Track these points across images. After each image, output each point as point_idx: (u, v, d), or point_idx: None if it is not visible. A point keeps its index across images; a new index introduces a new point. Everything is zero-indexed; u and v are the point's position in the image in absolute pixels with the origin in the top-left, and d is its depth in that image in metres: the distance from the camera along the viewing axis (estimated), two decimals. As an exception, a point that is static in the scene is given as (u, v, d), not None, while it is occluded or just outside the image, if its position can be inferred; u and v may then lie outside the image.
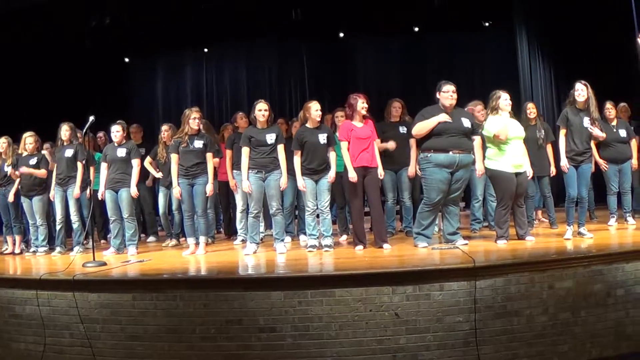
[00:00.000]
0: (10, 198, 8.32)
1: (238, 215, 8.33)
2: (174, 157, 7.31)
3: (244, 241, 7.94)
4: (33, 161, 8.17)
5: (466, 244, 6.54)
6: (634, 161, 8.06)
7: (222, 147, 8.49)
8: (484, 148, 6.79)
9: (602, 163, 7.91)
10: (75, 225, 8.07)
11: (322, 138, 6.95)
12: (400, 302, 5.04)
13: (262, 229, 8.36)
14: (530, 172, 6.86)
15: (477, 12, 12.49)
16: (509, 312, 5.10)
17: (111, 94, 13.44)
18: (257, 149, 7.01)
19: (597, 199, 9.09)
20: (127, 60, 14.54)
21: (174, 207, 8.53)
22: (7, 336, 5.98)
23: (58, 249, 8.03)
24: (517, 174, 6.61)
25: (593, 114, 6.77)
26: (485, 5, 12.19)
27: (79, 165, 7.99)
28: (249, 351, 5.16)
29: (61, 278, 5.86)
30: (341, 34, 13.52)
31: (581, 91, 6.75)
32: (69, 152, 8.06)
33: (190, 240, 7.43)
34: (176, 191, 7.29)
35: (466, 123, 6.63)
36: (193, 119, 7.28)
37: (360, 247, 6.84)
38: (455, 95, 6.65)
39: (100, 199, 7.86)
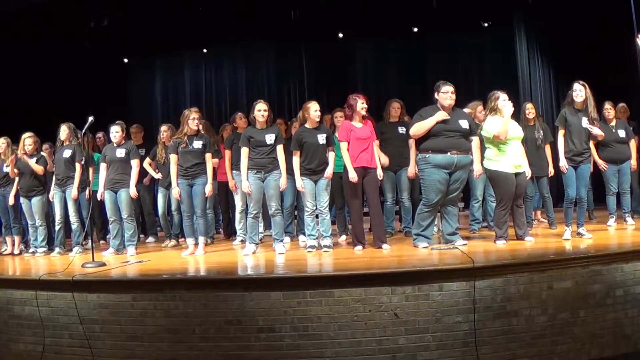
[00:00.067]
0: (11, 201, 8.32)
1: (237, 215, 8.33)
2: (173, 158, 7.31)
3: (243, 241, 7.94)
4: (32, 161, 8.17)
5: (465, 245, 6.54)
6: (633, 162, 8.06)
7: (222, 147, 8.49)
8: (483, 149, 6.79)
9: (602, 163, 7.91)
10: (74, 225, 8.06)
11: (321, 138, 6.95)
12: (399, 302, 5.04)
13: (261, 229, 8.36)
14: (528, 173, 6.87)
15: (476, 13, 12.48)
16: (508, 312, 5.10)
17: (110, 94, 13.43)
18: (256, 149, 7.01)
19: (596, 200, 9.10)
20: (126, 60, 14.55)
21: (173, 207, 8.52)
22: (6, 337, 5.97)
23: (57, 249, 8.03)
24: (516, 174, 6.62)
25: (591, 114, 6.78)
26: (485, 5, 12.18)
27: (77, 166, 7.99)
28: (248, 351, 5.16)
29: (60, 278, 5.86)
30: (340, 35, 13.53)
31: (579, 91, 6.76)
32: (67, 153, 8.06)
33: (190, 241, 7.43)
34: (175, 192, 7.30)
35: (464, 124, 6.63)
36: (192, 120, 7.28)
37: (359, 247, 6.84)
38: (454, 96, 6.65)
39: (99, 199, 7.85)
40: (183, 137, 7.29)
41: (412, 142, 7.31)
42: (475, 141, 6.77)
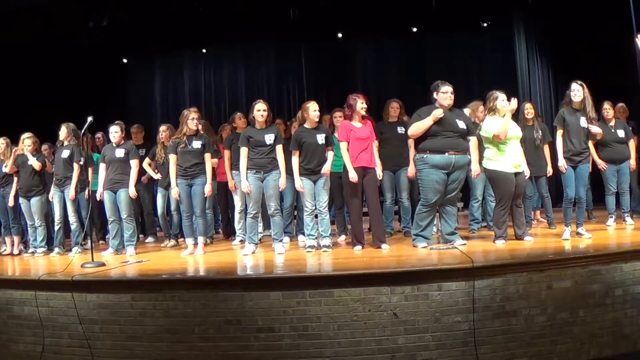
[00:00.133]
0: (10, 202, 8.33)
1: (236, 215, 8.34)
2: (172, 158, 7.31)
3: (242, 241, 7.94)
4: (30, 156, 8.18)
5: (464, 244, 6.54)
6: (632, 161, 8.07)
7: (221, 147, 8.49)
8: (482, 149, 6.79)
9: (601, 163, 7.91)
10: (74, 226, 8.07)
11: (320, 138, 6.95)
12: (398, 302, 5.04)
13: (260, 229, 8.37)
14: (527, 172, 6.88)
15: (476, 13, 12.49)
16: (507, 312, 5.10)
17: (109, 94, 13.42)
18: (255, 149, 7.01)
19: (595, 199, 9.10)
20: (125, 60, 14.54)
21: (173, 207, 8.53)
22: (5, 337, 5.97)
23: (56, 249, 8.03)
24: (516, 174, 6.62)
25: (589, 113, 6.78)
26: (484, 5, 12.19)
27: (75, 166, 7.99)
28: (248, 351, 5.16)
29: (60, 279, 5.86)
30: (339, 35, 13.52)
31: (577, 91, 6.76)
32: (65, 153, 8.07)
33: (189, 241, 7.43)
34: (174, 192, 7.30)
35: (462, 124, 6.64)
36: (191, 120, 7.29)
37: (358, 247, 6.84)
38: (452, 96, 6.66)
39: (98, 199, 7.85)
40: (182, 137, 7.29)
41: (411, 142, 7.32)
42: (473, 141, 6.78)
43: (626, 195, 7.98)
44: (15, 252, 8.44)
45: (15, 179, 8.31)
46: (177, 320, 5.31)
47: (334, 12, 12.41)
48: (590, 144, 7.63)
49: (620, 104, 8.57)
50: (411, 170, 7.44)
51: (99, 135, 9.64)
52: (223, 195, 8.99)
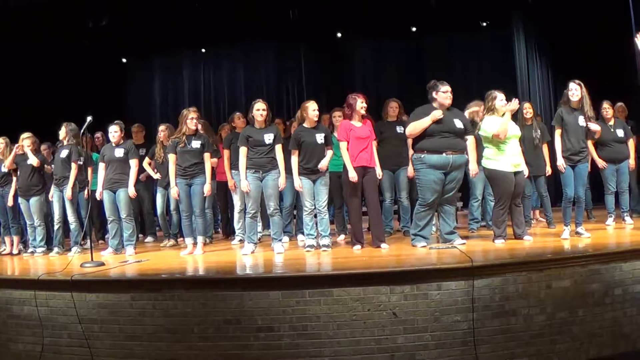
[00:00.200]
0: (10, 202, 8.33)
1: (236, 215, 8.34)
2: (171, 158, 7.31)
3: (242, 241, 7.94)
4: (30, 153, 8.18)
5: (464, 244, 6.55)
6: (631, 161, 8.07)
7: (220, 147, 8.49)
8: (481, 148, 6.79)
9: (601, 162, 7.91)
10: (73, 225, 8.07)
11: (320, 138, 6.95)
12: (398, 301, 5.04)
13: (260, 229, 8.37)
14: (526, 172, 6.88)
15: (475, 12, 12.49)
16: (506, 311, 5.10)
17: (109, 94, 13.41)
18: (254, 149, 7.01)
19: (594, 199, 9.10)
20: (124, 60, 14.52)
21: (172, 207, 8.52)
22: (5, 337, 5.97)
23: (56, 249, 8.03)
24: (515, 173, 6.62)
25: (587, 113, 6.77)
26: (483, 5, 12.19)
27: (73, 165, 7.98)
28: (247, 351, 5.16)
29: (59, 278, 5.87)
30: (339, 34, 13.52)
31: (575, 91, 6.76)
32: (64, 153, 8.08)
33: (188, 241, 7.44)
34: (174, 191, 7.30)
35: (459, 124, 6.63)
36: (190, 119, 7.28)
37: (358, 246, 6.84)
38: (451, 95, 6.66)
39: (98, 199, 7.85)
40: (182, 136, 7.29)
41: (410, 142, 7.31)
42: (470, 140, 6.78)
43: (625, 195, 7.98)
44: (15, 251, 8.44)
45: (15, 178, 8.31)
46: (176, 319, 5.30)
47: (333, 12, 12.41)
48: (590, 143, 7.66)
49: (619, 104, 8.57)
50: (411, 169, 7.45)
51: (98, 135, 9.63)
52: (222, 194, 8.99)
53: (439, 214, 6.91)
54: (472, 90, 11.14)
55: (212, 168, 7.62)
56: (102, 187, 7.75)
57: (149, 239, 9.41)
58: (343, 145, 6.87)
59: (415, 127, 6.60)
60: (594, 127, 6.84)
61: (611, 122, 8.02)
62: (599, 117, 7.62)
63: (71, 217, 8.03)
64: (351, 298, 5.06)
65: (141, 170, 8.45)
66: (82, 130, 7.40)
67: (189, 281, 5.58)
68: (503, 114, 6.59)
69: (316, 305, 5.08)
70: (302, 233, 7.61)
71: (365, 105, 6.97)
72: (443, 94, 6.62)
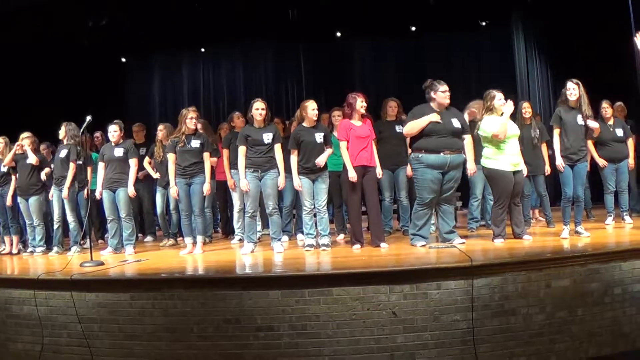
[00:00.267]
0: (8, 202, 8.32)
1: (235, 214, 8.35)
2: (170, 157, 7.31)
3: (241, 240, 7.94)
4: (30, 152, 8.19)
5: (463, 243, 6.55)
6: (631, 160, 8.07)
7: (220, 146, 8.49)
8: (480, 148, 6.79)
9: (601, 161, 7.90)
10: (72, 225, 8.07)
11: (319, 137, 6.95)
12: (397, 301, 5.04)
13: (259, 228, 8.37)
14: (525, 171, 6.88)
15: (474, 12, 12.48)
16: (506, 310, 5.11)
17: (108, 93, 13.39)
18: (253, 148, 7.01)
19: (594, 198, 9.11)
20: (124, 60, 14.51)
21: (172, 206, 8.51)
22: (4, 336, 5.98)
23: (55, 248, 8.04)
24: (514, 173, 6.62)
25: (585, 112, 6.77)
26: (483, 4, 12.18)
27: (71, 165, 7.98)
28: (247, 350, 5.17)
29: (59, 278, 5.87)
30: (338, 34, 13.51)
31: (573, 90, 6.76)
32: (63, 153, 8.09)
33: (188, 240, 7.44)
34: (173, 191, 7.29)
35: (456, 123, 6.63)
36: (190, 119, 7.28)
37: (357, 246, 6.84)
38: (449, 94, 6.66)
39: (97, 198, 7.85)
40: (181, 136, 7.28)
41: (409, 141, 7.32)
42: (467, 140, 6.78)
43: (625, 194, 7.98)
44: (14, 251, 8.44)
45: (14, 177, 8.31)
46: (176, 319, 5.31)
47: (332, 11, 12.40)
48: (590, 143, 7.67)
49: (618, 103, 8.58)
50: (409, 169, 7.44)
51: (97, 134, 9.64)
52: (222, 194, 8.99)
53: (437, 213, 6.90)
54: (471, 90, 11.19)
55: (212, 167, 7.61)
56: (101, 187, 7.75)
57: (149, 238, 9.41)
58: (343, 144, 6.88)
59: (412, 126, 6.60)
60: (593, 124, 6.84)
61: (610, 122, 8.02)
62: (598, 117, 7.62)
63: (70, 217, 8.03)
64: (351, 297, 5.07)
65: (141, 169, 8.45)
66: (81, 130, 7.40)
67: (188, 280, 5.58)
68: (502, 114, 6.59)
69: (316, 305, 5.08)
70: (302, 232, 7.61)
71: (365, 104, 6.97)
72: (442, 93, 6.62)
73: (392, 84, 13.13)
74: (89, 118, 7.12)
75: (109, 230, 7.99)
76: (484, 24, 12.88)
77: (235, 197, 8.25)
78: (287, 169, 7.09)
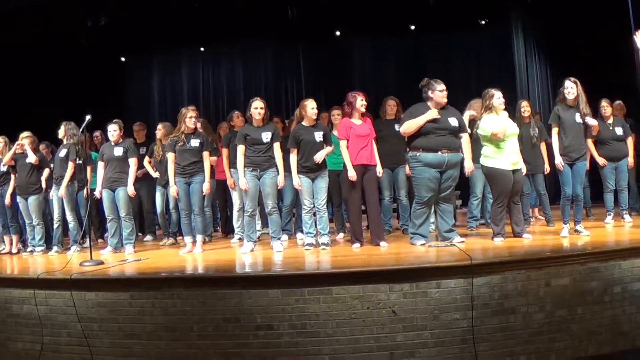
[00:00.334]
0: (7, 201, 8.33)
1: (235, 213, 8.35)
2: (170, 156, 7.30)
3: (241, 239, 7.94)
4: (30, 151, 8.19)
5: (463, 242, 6.54)
6: (630, 159, 8.07)
7: (219, 145, 8.49)
8: (479, 146, 6.79)
9: (601, 160, 7.90)
10: (72, 224, 8.07)
11: (318, 136, 6.95)
12: (397, 299, 5.04)
13: (259, 227, 8.37)
14: (524, 169, 6.88)
15: (474, 10, 12.48)
16: (505, 309, 5.10)
17: (108, 93, 13.41)
18: (252, 147, 7.01)
19: (593, 197, 9.10)
20: (123, 59, 14.52)
21: (171, 205, 8.51)
22: (4, 336, 5.98)
23: (55, 248, 8.04)
24: (513, 171, 6.63)
25: (583, 110, 6.76)
26: (482, 3, 12.19)
27: (70, 164, 7.98)
28: (246, 349, 5.17)
29: (58, 277, 5.87)
30: (337, 33, 13.51)
31: (571, 89, 6.75)
32: (62, 152, 8.09)
33: (188, 239, 7.44)
34: (173, 190, 7.29)
35: (454, 122, 6.63)
36: (189, 118, 7.28)
37: (357, 245, 6.85)
38: (446, 93, 6.66)
39: (96, 198, 7.86)
40: (180, 135, 7.28)
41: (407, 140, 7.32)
42: (465, 138, 6.78)
43: (624, 193, 7.99)
44: (14, 250, 8.44)
45: (13, 177, 8.31)
46: (175, 318, 5.31)
47: (332, 10, 12.41)
48: (590, 142, 7.67)
49: (617, 102, 8.58)
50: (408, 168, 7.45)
51: (97, 133, 9.64)
52: (221, 193, 8.99)
53: (436, 212, 6.90)
54: (470, 89, 11.21)
55: (211, 166, 7.62)
56: (101, 186, 7.75)
57: (148, 237, 9.41)
58: (343, 143, 6.88)
59: (410, 125, 6.59)
60: (592, 121, 6.82)
61: (610, 120, 8.02)
62: (597, 115, 7.61)
63: (70, 216, 8.03)
64: (350, 296, 5.06)
65: (141, 168, 8.46)
66: (81, 129, 7.40)
67: (188, 280, 5.58)
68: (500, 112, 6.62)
69: (315, 304, 5.08)
70: (302, 231, 7.61)
71: (365, 103, 6.98)
72: (439, 92, 6.61)
73: (391, 83, 13.13)
74: (88, 117, 7.12)
75: (108, 230, 7.98)
76: (483, 22, 12.90)
77: (235, 196, 8.25)
78: (287, 168, 7.09)
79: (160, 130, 8.40)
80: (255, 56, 14.38)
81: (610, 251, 5.55)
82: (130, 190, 7.67)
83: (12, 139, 8.43)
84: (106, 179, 7.74)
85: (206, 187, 7.28)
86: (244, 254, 6.90)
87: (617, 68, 9.73)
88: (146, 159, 8.68)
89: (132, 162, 7.76)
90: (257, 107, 7.03)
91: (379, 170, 7.12)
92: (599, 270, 5.34)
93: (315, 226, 7.10)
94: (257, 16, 12.53)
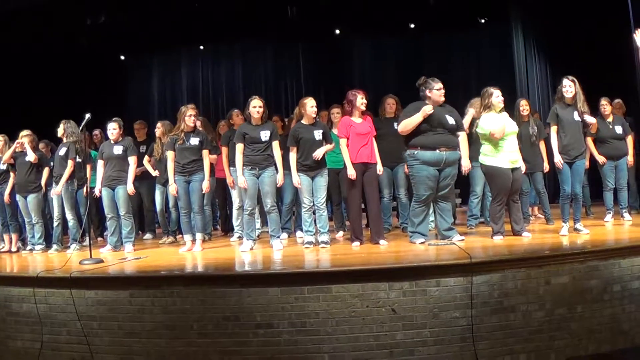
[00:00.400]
0: (6, 199, 8.33)
1: (234, 212, 8.34)
2: (170, 155, 7.30)
3: (240, 238, 7.93)
4: (29, 149, 8.19)
5: (462, 240, 6.54)
6: (630, 157, 8.07)
7: (219, 144, 8.49)
8: (478, 145, 6.79)
9: (601, 158, 7.90)
10: (71, 223, 8.07)
11: (317, 134, 6.95)
12: (396, 298, 5.04)
13: (258, 225, 8.37)
14: (523, 168, 6.88)
15: (474, 9, 12.49)
16: (505, 307, 5.10)
17: (107, 91, 13.42)
18: (251, 146, 7.01)
19: (593, 196, 9.11)
20: (123, 58, 14.53)
21: (171, 204, 8.52)
22: (4, 334, 5.97)
23: (55, 246, 8.03)
24: (513, 170, 6.63)
25: (581, 108, 6.75)
26: (481, 2, 12.20)
27: (69, 163, 7.98)
28: (246, 347, 5.17)
29: (58, 275, 5.87)
30: (337, 31, 13.52)
31: (569, 87, 6.75)
32: (62, 151, 8.10)
33: (187, 237, 7.44)
34: (172, 188, 7.29)
35: (451, 120, 6.62)
36: (189, 116, 7.28)
37: (356, 243, 6.85)
38: (444, 92, 6.66)
39: (97, 196, 7.86)
40: (180, 133, 7.28)
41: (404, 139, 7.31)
42: (462, 136, 6.77)
43: (624, 191, 7.99)
44: (14, 249, 8.43)
45: (12, 175, 8.31)
46: (175, 316, 5.30)
47: (331, 9, 12.42)
48: (590, 140, 7.67)
49: (617, 100, 8.59)
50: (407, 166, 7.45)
51: (96, 132, 9.65)
52: (221, 191, 9.00)
53: (435, 211, 6.90)
54: (470, 87, 11.23)
55: (211, 165, 7.62)
56: (100, 185, 7.75)
57: (148, 235, 9.41)
58: (343, 142, 6.88)
59: (407, 124, 6.58)
60: (590, 119, 6.81)
61: (609, 119, 8.03)
62: (596, 114, 7.61)
63: (69, 215, 8.03)
64: (350, 294, 5.06)
65: (141, 166, 8.46)
66: (80, 128, 7.40)
67: (187, 278, 5.58)
68: (500, 111, 6.61)
69: (315, 302, 5.08)
70: (301, 229, 7.61)
71: (365, 101, 6.98)
72: (437, 91, 6.61)
73: (391, 81, 13.14)
74: (88, 116, 7.13)
75: (108, 228, 7.98)
76: (483, 21, 12.90)
77: (235, 195, 8.25)
78: (287, 167, 7.09)
79: (159, 128, 8.40)
80: (254, 55, 14.39)
81: (609, 249, 5.54)
82: (130, 188, 7.66)
83: (12, 138, 8.44)
84: (106, 177, 7.74)
85: (206, 185, 7.28)
86: (243, 253, 6.89)
87: (617, 67, 9.74)
88: (145, 158, 8.67)
89: (132, 160, 7.76)
90: (256, 106, 7.03)
91: (380, 168, 7.12)
92: (598, 269, 5.33)
93: (315, 224, 7.10)
94: (257, 16, 12.54)
